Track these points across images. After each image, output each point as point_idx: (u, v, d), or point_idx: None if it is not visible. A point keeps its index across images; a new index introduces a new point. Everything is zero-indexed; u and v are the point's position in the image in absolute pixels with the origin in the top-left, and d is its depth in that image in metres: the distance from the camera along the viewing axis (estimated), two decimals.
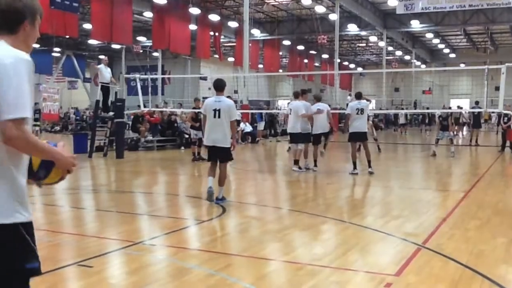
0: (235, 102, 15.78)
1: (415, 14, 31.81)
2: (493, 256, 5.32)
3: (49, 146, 2.32)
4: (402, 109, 39.47)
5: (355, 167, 11.93)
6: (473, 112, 22.40)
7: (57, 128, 35.20)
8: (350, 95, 40.90)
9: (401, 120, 35.05)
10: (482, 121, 32.04)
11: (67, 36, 28.59)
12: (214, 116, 8.12)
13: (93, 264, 4.91)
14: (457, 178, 12.43)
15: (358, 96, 12.79)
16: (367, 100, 14.49)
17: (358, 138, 12.27)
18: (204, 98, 13.78)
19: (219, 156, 8.23)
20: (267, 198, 9.46)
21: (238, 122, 15.26)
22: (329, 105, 17.22)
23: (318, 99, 13.17)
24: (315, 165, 12.52)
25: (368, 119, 13.86)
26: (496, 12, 33.23)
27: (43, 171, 2.37)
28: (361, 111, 12.05)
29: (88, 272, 4.73)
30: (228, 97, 9.91)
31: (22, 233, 2.26)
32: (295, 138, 12.49)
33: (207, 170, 8.38)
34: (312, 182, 11.21)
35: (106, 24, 26.89)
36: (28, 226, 2.29)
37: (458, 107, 31.71)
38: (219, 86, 8.50)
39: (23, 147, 2.21)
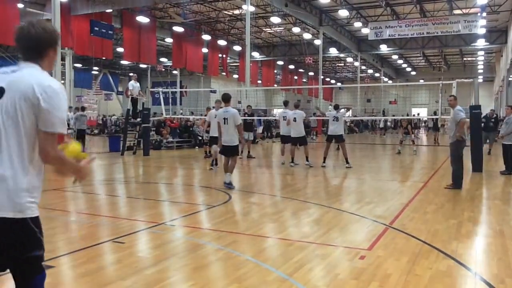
0: (239, 110, 15.79)
1: (384, 40, 31.79)
2: (446, 234, 5.31)
3: (70, 161, 2.26)
4: (383, 115, 39.14)
5: (324, 161, 12.36)
6: (432, 119, 22.78)
7: (96, 131, 35.11)
8: (331, 105, 40.84)
9: (381, 125, 35.14)
10: (439, 125, 32.11)
11: (104, 58, 28.56)
12: (224, 123, 8.58)
13: (124, 241, 4.91)
14: (417, 171, 12.41)
15: (336, 107, 13.08)
16: (348, 108, 14.54)
17: (334, 139, 12.53)
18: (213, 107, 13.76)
19: (229, 152, 8.66)
20: (265, 188, 9.46)
21: (249, 126, 15.11)
22: (314, 113, 17.25)
23: (296, 106, 13.04)
24: (307, 160, 12.43)
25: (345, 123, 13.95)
26: (448, 38, 33.24)
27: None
28: (336, 118, 12.28)
29: (120, 247, 4.73)
30: (248, 106, 10.29)
31: (31, 226, 2.19)
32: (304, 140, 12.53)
33: (223, 165, 8.85)
34: (300, 174, 11.20)
35: (135, 48, 26.91)
36: (35, 220, 2.23)
37: (417, 114, 31.77)
38: (226, 99, 8.81)
39: (54, 159, 2.19)
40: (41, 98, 2.11)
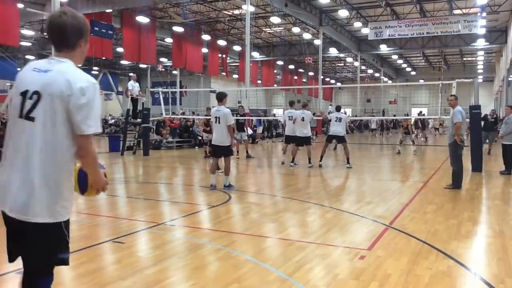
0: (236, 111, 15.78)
1: (383, 40, 31.81)
2: (446, 234, 5.31)
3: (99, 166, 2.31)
4: (373, 116, 39.17)
5: (321, 160, 12.47)
6: (420, 119, 23.28)
7: None
8: (331, 105, 40.84)
9: (373, 126, 34.95)
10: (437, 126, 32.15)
11: (104, 58, 28.56)
12: (216, 122, 8.52)
13: (124, 241, 4.91)
14: (417, 171, 12.41)
15: (338, 108, 13.15)
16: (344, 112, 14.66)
17: (335, 139, 12.66)
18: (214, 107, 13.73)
19: (221, 152, 8.54)
20: (265, 188, 9.46)
21: (241, 126, 15.07)
22: (314, 113, 17.24)
23: (303, 106, 12.92)
24: (309, 162, 12.35)
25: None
26: (448, 38, 33.24)
27: (83, 186, 2.33)
28: (339, 119, 12.34)
29: (120, 247, 4.73)
30: (240, 106, 10.24)
31: (63, 229, 2.22)
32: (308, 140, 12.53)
33: (211, 165, 8.76)
34: (301, 174, 11.20)
35: (135, 48, 26.92)
36: (67, 223, 2.26)
37: (420, 113, 31.75)
38: (219, 97, 8.78)
39: (91, 158, 2.21)
40: (73, 98, 2.09)
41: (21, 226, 2.13)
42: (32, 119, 2.11)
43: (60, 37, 2.21)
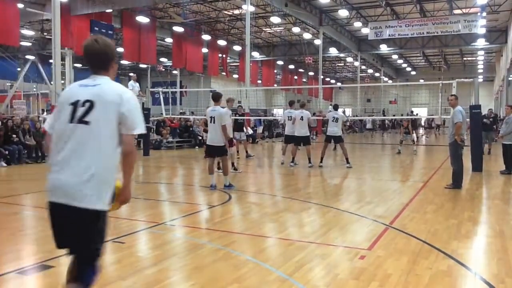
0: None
1: (383, 40, 31.78)
2: (446, 234, 5.31)
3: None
4: (383, 115, 38.90)
5: (321, 161, 12.41)
6: (411, 119, 23.28)
7: None
8: (331, 105, 40.80)
9: (368, 126, 34.89)
10: (433, 125, 32.13)
11: None
12: (211, 122, 8.52)
13: (125, 241, 4.92)
14: (417, 171, 12.41)
15: (336, 107, 13.05)
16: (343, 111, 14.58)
17: (332, 140, 12.63)
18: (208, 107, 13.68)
19: (216, 152, 8.54)
20: (265, 188, 9.46)
21: (240, 126, 15.06)
22: (314, 113, 17.24)
23: (302, 106, 12.85)
24: (309, 162, 12.32)
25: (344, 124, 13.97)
26: (448, 37, 33.23)
27: (111, 198, 2.60)
28: (336, 119, 12.26)
29: (121, 247, 4.73)
30: (239, 106, 10.35)
31: (107, 217, 2.58)
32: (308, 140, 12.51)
33: (207, 166, 8.72)
34: (301, 174, 11.20)
35: (135, 48, 26.90)
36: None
37: (416, 114, 31.82)
38: (215, 97, 8.82)
39: (130, 158, 2.57)
40: (123, 105, 2.50)
41: (75, 214, 2.43)
42: (86, 123, 2.47)
43: (96, 62, 2.63)
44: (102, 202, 2.48)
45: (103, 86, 2.54)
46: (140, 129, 2.54)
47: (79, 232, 2.46)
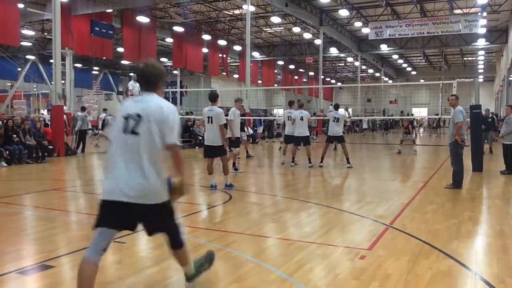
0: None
1: (384, 40, 31.77)
2: (446, 234, 5.31)
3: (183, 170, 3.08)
4: (383, 115, 38.89)
5: (321, 161, 12.35)
6: (408, 119, 23.47)
7: (96, 131, 35.01)
8: (331, 105, 40.80)
9: (364, 125, 34.80)
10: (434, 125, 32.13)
11: (104, 58, 28.59)
12: (208, 122, 8.49)
13: (125, 241, 4.91)
14: (418, 171, 12.41)
15: (336, 107, 13.02)
16: (346, 109, 14.54)
17: (334, 140, 12.66)
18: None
19: (214, 152, 8.52)
20: (265, 188, 9.45)
21: (241, 125, 15.04)
22: (314, 113, 17.23)
23: (300, 106, 12.80)
24: (309, 162, 12.29)
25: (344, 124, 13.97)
26: (449, 37, 33.23)
27: (168, 187, 3.07)
28: (337, 119, 12.26)
29: (122, 246, 4.73)
30: (241, 106, 10.51)
31: (170, 203, 3.12)
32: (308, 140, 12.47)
33: (207, 167, 8.73)
34: (301, 174, 11.20)
35: (135, 48, 26.91)
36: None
37: (412, 114, 31.78)
38: (212, 98, 8.72)
39: (178, 160, 3.03)
40: (166, 118, 2.94)
41: (139, 209, 3.04)
42: (136, 133, 2.94)
43: (147, 82, 3.11)
44: (162, 196, 3.05)
45: (150, 103, 2.99)
46: (175, 140, 2.96)
47: (153, 220, 3.17)
